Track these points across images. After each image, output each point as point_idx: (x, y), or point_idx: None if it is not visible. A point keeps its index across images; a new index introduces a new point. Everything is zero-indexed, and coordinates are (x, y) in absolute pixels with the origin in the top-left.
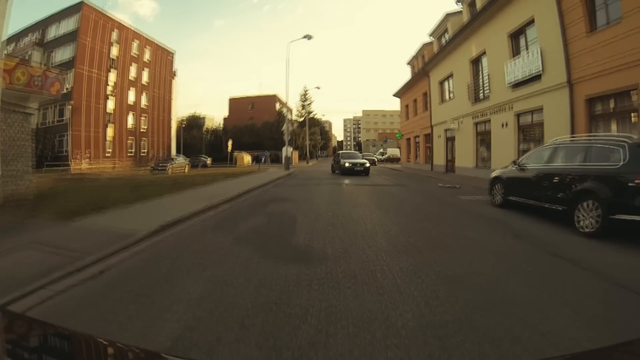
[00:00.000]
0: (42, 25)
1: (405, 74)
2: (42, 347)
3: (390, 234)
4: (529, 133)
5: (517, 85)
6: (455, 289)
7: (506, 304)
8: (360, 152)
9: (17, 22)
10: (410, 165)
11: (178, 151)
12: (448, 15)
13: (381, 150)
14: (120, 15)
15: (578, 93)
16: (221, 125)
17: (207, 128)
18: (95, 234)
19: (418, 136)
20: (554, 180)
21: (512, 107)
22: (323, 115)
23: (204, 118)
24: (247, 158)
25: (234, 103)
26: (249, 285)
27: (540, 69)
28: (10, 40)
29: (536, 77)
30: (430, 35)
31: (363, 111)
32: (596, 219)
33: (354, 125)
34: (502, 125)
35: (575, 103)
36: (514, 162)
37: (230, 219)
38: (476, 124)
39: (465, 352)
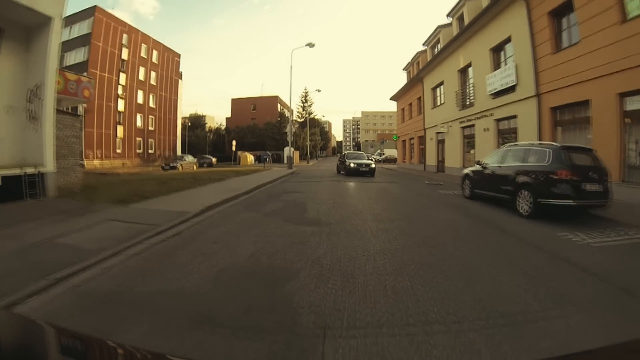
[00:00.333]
0: None
1: (402, 79)
2: (42, 348)
3: (374, 213)
4: (507, 137)
5: (497, 94)
6: (408, 238)
7: (436, 245)
8: (359, 152)
9: None
10: (406, 165)
11: (183, 150)
12: (440, 27)
13: (379, 151)
14: (120, 13)
15: (544, 103)
16: (222, 125)
17: (209, 128)
18: (156, 213)
19: (413, 138)
20: (504, 176)
21: (492, 114)
22: (323, 116)
23: (204, 117)
24: (250, 158)
25: (236, 103)
26: (282, 236)
27: (515, 81)
28: None
29: (511, 89)
30: (424, 44)
31: (362, 112)
32: (529, 204)
33: (354, 126)
34: (485, 129)
35: (542, 112)
36: (478, 162)
37: (255, 204)
38: (463, 128)
39: (405, 258)
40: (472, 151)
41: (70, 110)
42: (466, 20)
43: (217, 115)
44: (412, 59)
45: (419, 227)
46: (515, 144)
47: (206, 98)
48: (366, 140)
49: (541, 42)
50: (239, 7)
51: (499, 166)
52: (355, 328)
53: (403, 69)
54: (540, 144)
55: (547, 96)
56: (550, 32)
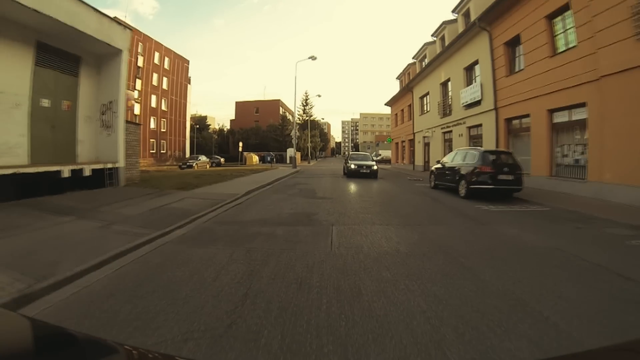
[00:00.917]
0: None
1: (396, 87)
2: (41, 348)
3: (362, 195)
4: (475, 141)
5: (468, 106)
6: (378, 205)
7: (391, 209)
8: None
9: None
10: (399, 165)
11: (191, 151)
12: (426, 44)
13: (375, 152)
14: (119, 13)
15: (500, 115)
16: (224, 126)
17: (214, 129)
18: (214, 195)
19: (404, 141)
20: (452, 171)
21: (465, 122)
22: (322, 118)
23: (206, 117)
24: (255, 158)
25: (240, 106)
26: (305, 203)
27: (480, 97)
28: None
29: (478, 102)
30: (414, 58)
31: (361, 114)
32: (465, 189)
33: (352, 127)
34: (459, 135)
35: (499, 122)
36: (438, 161)
37: (279, 190)
38: (443, 133)
39: (372, 210)
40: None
41: None
42: (447, 41)
43: (216, 115)
44: (404, 69)
45: (386, 201)
46: (460, 148)
47: (206, 98)
48: (364, 142)
49: (499, 67)
50: (238, 8)
51: (450, 164)
52: (344, 225)
53: (396, 78)
54: (473, 148)
55: (503, 110)
56: (505, 59)
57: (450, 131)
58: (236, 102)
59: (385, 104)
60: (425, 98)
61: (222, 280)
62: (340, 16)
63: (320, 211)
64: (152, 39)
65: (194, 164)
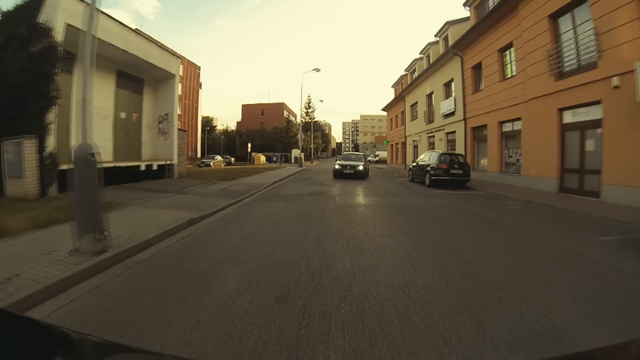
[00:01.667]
0: None
1: (392, 94)
2: (40, 348)
3: (356, 184)
4: (452, 145)
5: (446, 116)
6: (369, 189)
7: (372, 193)
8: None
9: None
10: (393, 165)
11: (202, 151)
12: (415, 60)
13: (373, 153)
14: (121, 13)
15: (468, 125)
16: (229, 127)
17: (220, 130)
18: (250, 185)
19: (398, 143)
20: (422, 167)
21: (443, 129)
22: (323, 120)
23: (212, 119)
24: (262, 158)
25: (246, 109)
26: (316, 188)
27: (454, 109)
28: None
29: (452, 113)
30: (405, 70)
31: (361, 116)
32: (429, 180)
33: (353, 128)
34: (440, 139)
35: (467, 130)
36: (413, 161)
37: (296, 181)
38: (428, 137)
39: (360, 192)
40: None
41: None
42: (431, 59)
43: (218, 115)
44: (398, 79)
45: (372, 187)
46: (427, 151)
47: (207, 98)
48: (364, 142)
49: (467, 85)
50: (239, 8)
51: (421, 163)
52: (342, 196)
53: (391, 86)
54: (435, 151)
55: (469, 120)
56: (471, 79)
57: (433, 136)
58: (242, 105)
59: (382, 109)
60: (414, 106)
61: (288, 210)
62: (341, 17)
63: (328, 191)
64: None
65: (211, 163)
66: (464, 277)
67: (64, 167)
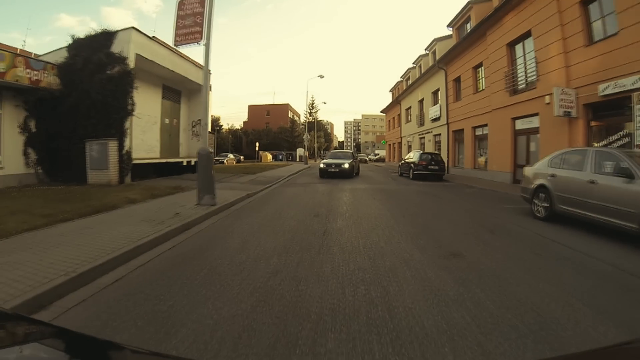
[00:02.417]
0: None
1: (389, 97)
2: (40, 347)
3: (355, 178)
4: (438, 146)
5: (433, 120)
6: (364, 179)
7: (370, 181)
8: (359, 152)
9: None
10: (391, 163)
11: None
12: (409, 69)
13: (373, 152)
14: (123, 11)
15: (450, 129)
16: (233, 126)
17: (226, 129)
18: (270, 177)
19: (394, 143)
20: (408, 164)
21: (431, 132)
22: (326, 120)
23: (219, 118)
24: (269, 156)
25: (253, 109)
26: (323, 178)
27: (439, 115)
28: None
29: (438, 118)
30: (401, 77)
31: (362, 115)
32: (412, 174)
33: (354, 128)
34: (429, 140)
35: (449, 133)
36: (401, 158)
37: (305, 175)
38: (420, 139)
39: (360, 180)
40: None
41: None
42: (422, 70)
43: (221, 113)
44: (395, 84)
45: (367, 177)
46: (413, 150)
47: (211, 97)
48: (366, 142)
49: (450, 95)
50: (241, 6)
51: (407, 160)
52: (344, 184)
53: (389, 91)
54: (419, 151)
55: (451, 124)
56: (453, 90)
57: (424, 137)
58: (249, 106)
59: (380, 111)
60: (409, 110)
61: (307, 191)
62: (343, 16)
63: (332, 181)
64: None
65: (225, 160)
66: (410, 215)
67: (136, 161)
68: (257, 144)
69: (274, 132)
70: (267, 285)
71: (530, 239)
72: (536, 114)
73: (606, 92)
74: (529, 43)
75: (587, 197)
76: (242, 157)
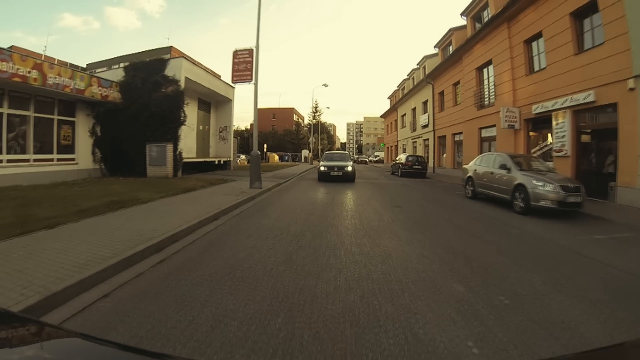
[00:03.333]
0: (136, 57)
1: (388, 103)
2: (40, 347)
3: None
4: (427, 150)
5: (423, 127)
6: (361, 176)
7: (365, 177)
8: (361, 154)
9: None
10: (388, 164)
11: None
12: (404, 80)
13: (373, 153)
14: (126, 12)
15: (436, 135)
16: (239, 127)
17: (234, 131)
18: (286, 173)
19: (392, 146)
20: (398, 164)
21: (422, 137)
22: (329, 122)
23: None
24: (276, 157)
25: (259, 112)
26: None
27: (427, 122)
28: (103, 64)
29: (427, 125)
30: (397, 86)
31: (364, 118)
32: (400, 172)
33: (356, 130)
34: (420, 144)
35: (435, 139)
36: (392, 159)
37: (313, 172)
38: (413, 142)
39: (358, 175)
40: None
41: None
42: (415, 82)
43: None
44: (392, 92)
45: (364, 175)
46: (402, 153)
47: None
48: (367, 143)
49: (436, 106)
50: (244, 7)
51: (397, 161)
52: (347, 179)
53: (387, 97)
54: (405, 153)
55: (437, 131)
56: (438, 102)
57: (416, 141)
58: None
59: (380, 116)
60: (404, 117)
61: (319, 183)
62: (347, 17)
63: (335, 177)
64: (195, 61)
65: (237, 161)
66: (387, 194)
67: (192, 160)
68: (265, 146)
69: (280, 134)
70: (309, 216)
71: (452, 205)
72: (494, 125)
73: (537, 111)
74: (491, 69)
75: (490, 182)
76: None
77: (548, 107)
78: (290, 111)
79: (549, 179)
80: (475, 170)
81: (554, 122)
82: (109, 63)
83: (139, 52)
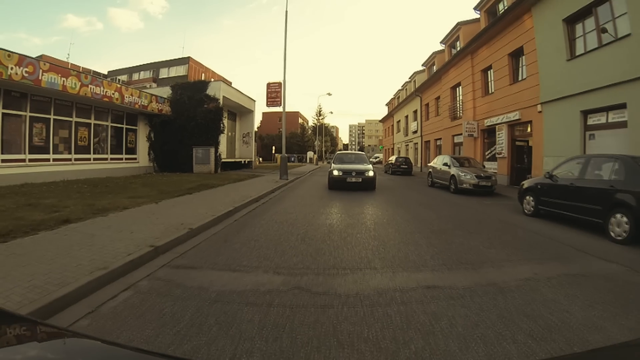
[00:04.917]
0: (155, 66)
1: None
2: (41, 348)
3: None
4: (416, 152)
5: (414, 133)
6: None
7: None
8: None
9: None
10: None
11: None
12: (399, 90)
13: (374, 155)
14: (129, 12)
15: (423, 140)
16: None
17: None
18: (299, 171)
19: (389, 148)
20: (390, 164)
21: (412, 141)
22: (332, 125)
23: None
24: None
25: (266, 116)
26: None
27: (417, 129)
28: (123, 71)
29: (416, 132)
30: (394, 95)
31: (366, 120)
32: (392, 171)
33: (359, 131)
34: (411, 147)
35: (422, 143)
36: (388, 160)
37: (320, 171)
38: (406, 145)
39: None
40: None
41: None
42: (408, 93)
43: None
44: (390, 99)
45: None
46: (393, 155)
47: None
48: (369, 145)
49: (423, 115)
50: (247, 8)
51: (390, 161)
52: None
53: (385, 104)
54: (395, 155)
55: (424, 136)
56: (425, 112)
57: (408, 145)
58: (263, 113)
59: (379, 121)
60: (399, 122)
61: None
62: (350, 19)
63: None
64: (209, 70)
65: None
66: (377, 186)
67: (224, 160)
68: (274, 148)
69: (287, 136)
70: (324, 194)
71: (417, 190)
72: (460, 134)
73: (488, 124)
74: (460, 89)
75: (440, 175)
76: (260, 159)
77: (494, 122)
78: (296, 115)
79: (470, 172)
80: (433, 167)
81: (497, 133)
82: (129, 71)
83: (159, 62)
